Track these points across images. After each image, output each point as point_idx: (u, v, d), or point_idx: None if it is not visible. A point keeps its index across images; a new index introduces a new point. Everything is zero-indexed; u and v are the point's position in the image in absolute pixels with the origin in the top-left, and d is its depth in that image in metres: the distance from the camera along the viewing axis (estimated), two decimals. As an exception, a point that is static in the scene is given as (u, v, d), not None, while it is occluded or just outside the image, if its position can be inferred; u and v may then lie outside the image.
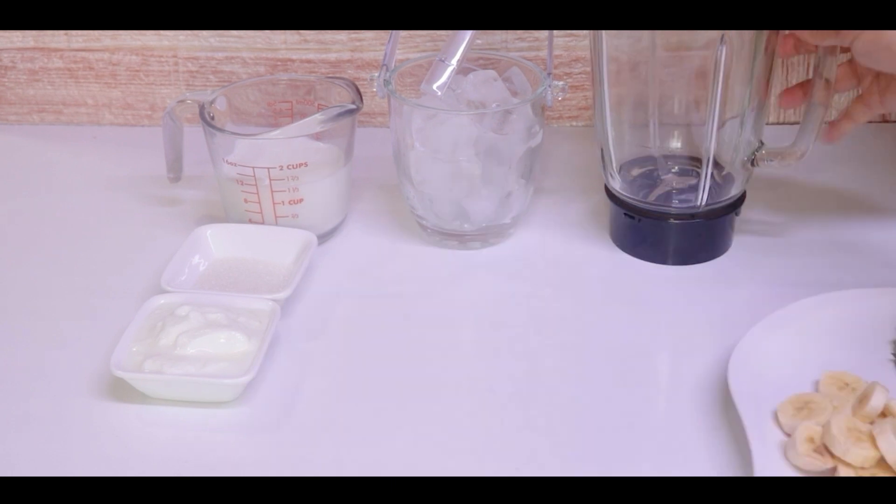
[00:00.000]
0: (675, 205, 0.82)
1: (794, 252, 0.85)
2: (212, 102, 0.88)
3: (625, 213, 0.83)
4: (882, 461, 0.61)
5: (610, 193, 0.85)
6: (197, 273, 0.82)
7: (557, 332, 0.77)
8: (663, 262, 0.84)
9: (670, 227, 0.82)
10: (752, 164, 0.82)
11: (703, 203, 0.81)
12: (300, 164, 0.84)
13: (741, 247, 0.85)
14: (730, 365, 0.68)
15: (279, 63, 1.04)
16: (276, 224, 0.86)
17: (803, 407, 0.65)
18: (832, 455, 0.62)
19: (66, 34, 1.05)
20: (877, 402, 0.64)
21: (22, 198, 0.97)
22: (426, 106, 0.82)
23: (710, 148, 0.80)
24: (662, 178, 0.85)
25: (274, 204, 0.86)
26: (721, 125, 0.80)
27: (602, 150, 0.84)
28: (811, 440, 0.62)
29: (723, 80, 0.77)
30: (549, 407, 0.70)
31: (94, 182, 0.99)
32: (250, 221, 0.87)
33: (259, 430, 0.69)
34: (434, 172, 0.83)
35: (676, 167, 0.85)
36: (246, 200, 0.86)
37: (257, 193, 0.85)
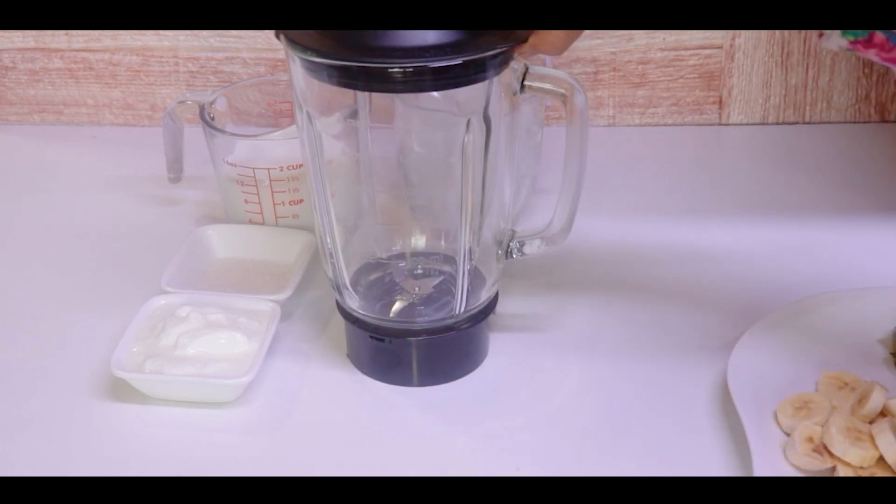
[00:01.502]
0: (427, 317, 0.72)
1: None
2: (212, 103, 0.88)
3: (370, 336, 0.72)
4: (881, 461, 0.61)
5: (346, 313, 0.73)
6: (197, 273, 0.82)
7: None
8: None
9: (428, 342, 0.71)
10: (507, 256, 0.73)
11: (462, 310, 0.71)
12: (300, 165, 0.84)
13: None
14: (729, 365, 0.68)
15: (279, 63, 1.04)
16: (277, 225, 0.87)
17: (803, 406, 0.65)
18: (831, 455, 0.62)
19: (66, 34, 1.05)
20: (876, 401, 0.64)
21: (22, 198, 0.98)
22: (423, 108, 0.82)
23: (465, 243, 0.69)
24: (401, 284, 0.74)
25: (274, 204, 0.86)
26: (476, 215, 0.69)
27: (328, 260, 0.72)
28: (810, 440, 0.62)
29: (473, 164, 0.67)
30: (550, 407, 0.71)
31: (94, 182, 0.99)
32: (250, 222, 0.87)
33: (259, 430, 0.69)
34: (434, 183, 0.82)
35: (420, 269, 0.75)
36: (246, 201, 0.86)
37: (257, 194, 0.85)
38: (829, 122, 1.04)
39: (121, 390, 0.71)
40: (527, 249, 0.73)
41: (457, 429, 0.69)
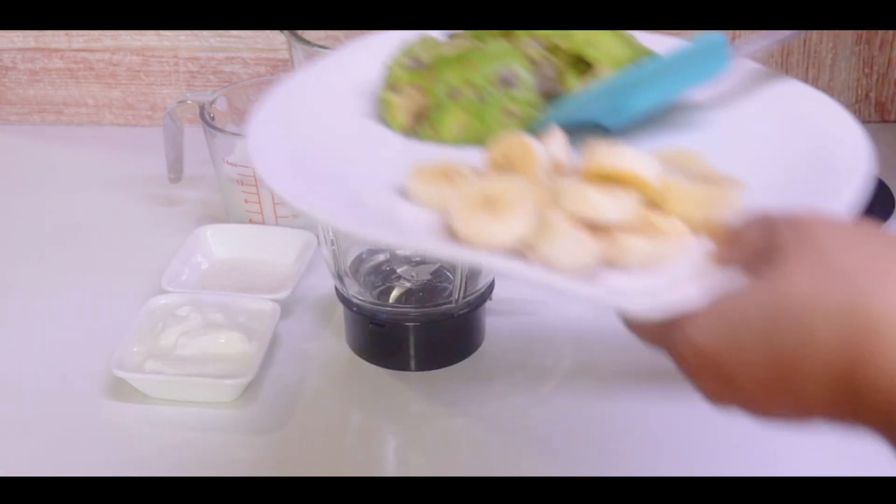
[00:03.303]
0: (425, 304, 0.73)
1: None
2: (212, 103, 0.88)
3: (370, 322, 0.73)
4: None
5: (345, 300, 0.74)
6: (197, 273, 0.82)
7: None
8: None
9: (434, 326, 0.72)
10: None
11: (460, 297, 0.72)
12: (300, 165, 0.84)
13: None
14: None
15: (279, 63, 1.04)
16: (277, 224, 0.87)
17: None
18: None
19: (66, 34, 1.05)
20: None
21: (22, 198, 0.98)
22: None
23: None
24: (399, 272, 0.75)
25: (274, 204, 0.86)
26: None
27: (328, 248, 0.73)
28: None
29: None
30: (545, 390, 0.71)
31: (94, 182, 0.99)
32: (251, 222, 0.87)
33: (259, 430, 0.69)
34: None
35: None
36: (246, 201, 0.86)
37: (258, 194, 0.85)
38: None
39: (121, 390, 0.71)
40: None
41: (454, 411, 0.70)
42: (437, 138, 0.58)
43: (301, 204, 0.49)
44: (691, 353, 0.42)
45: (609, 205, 0.46)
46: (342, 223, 0.49)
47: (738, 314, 0.40)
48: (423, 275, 0.75)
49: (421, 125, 0.58)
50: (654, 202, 0.48)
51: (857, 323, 0.37)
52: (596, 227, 0.46)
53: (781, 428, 0.43)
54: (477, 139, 0.56)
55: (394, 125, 0.59)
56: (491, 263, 0.45)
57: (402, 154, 0.57)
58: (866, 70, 1.02)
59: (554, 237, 0.45)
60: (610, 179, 0.48)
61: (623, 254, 0.46)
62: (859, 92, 1.03)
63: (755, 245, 0.42)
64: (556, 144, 0.52)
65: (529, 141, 0.51)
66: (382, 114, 0.59)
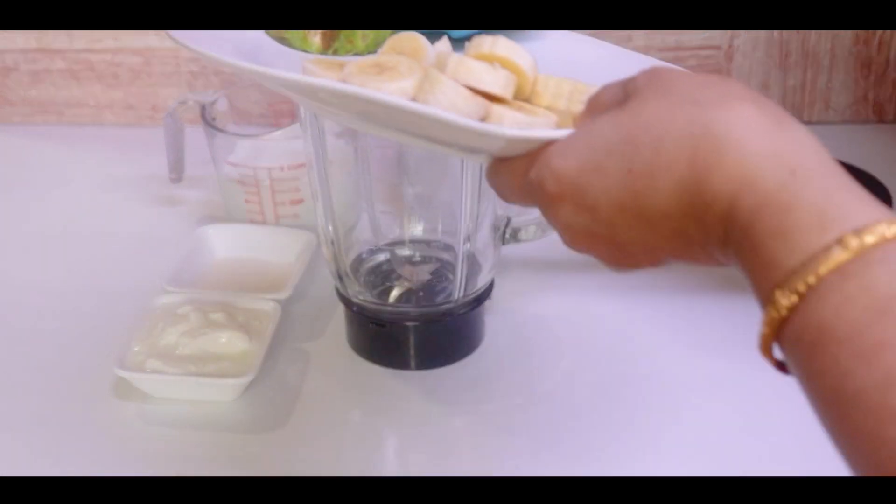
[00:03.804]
0: (425, 303, 0.73)
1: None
2: (213, 103, 0.88)
3: (370, 322, 0.73)
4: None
5: (346, 300, 0.74)
6: (198, 273, 0.82)
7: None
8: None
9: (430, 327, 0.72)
10: (503, 242, 0.74)
11: (460, 296, 0.72)
12: (301, 165, 0.84)
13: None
14: None
15: (280, 64, 1.04)
16: (278, 224, 0.87)
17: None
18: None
19: (68, 35, 1.06)
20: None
21: (24, 198, 0.98)
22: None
23: (464, 229, 0.70)
24: (399, 271, 0.75)
25: (275, 204, 0.86)
26: (475, 202, 0.70)
27: (329, 248, 0.73)
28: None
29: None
30: (545, 387, 0.71)
31: (95, 182, 0.99)
32: (251, 222, 0.87)
33: (259, 430, 0.69)
34: (431, 171, 0.82)
35: (417, 256, 0.76)
36: (247, 201, 0.86)
37: (258, 194, 0.86)
38: (827, 123, 1.05)
39: (122, 389, 0.71)
40: (522, 235, 0.74)
41: (454, 411, 0.70)
42: (354, 50, 0.63)
43: (205, 48, 0.54)
44: (555, 182, 0.45)
45: (486, 73, 0.51)
46: (244, 64, 0.52)
47: (599, 139, 0.44)
48: (423, 275, 0.75)
49: (338, 41, 0.62)
50: (526, 97, 0.53)
51: (702, 142, 0.42)
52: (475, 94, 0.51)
53: (636, 272, 0.47)
54: (379, 46, 0.62)
55: (309, 48, 0.62)
56: (375, 96, 0.48)
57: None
58: (864, 71, 1.02)
59: (435, 88, 0.50)
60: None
61: (497, 123, 0.50)
62: (857, 93, 1.03)
63: (615, 99, 0.46)
64: (441, 44, 0.58)
65: (419, 36, 0.56)
66: (292, 40, 0.63)
